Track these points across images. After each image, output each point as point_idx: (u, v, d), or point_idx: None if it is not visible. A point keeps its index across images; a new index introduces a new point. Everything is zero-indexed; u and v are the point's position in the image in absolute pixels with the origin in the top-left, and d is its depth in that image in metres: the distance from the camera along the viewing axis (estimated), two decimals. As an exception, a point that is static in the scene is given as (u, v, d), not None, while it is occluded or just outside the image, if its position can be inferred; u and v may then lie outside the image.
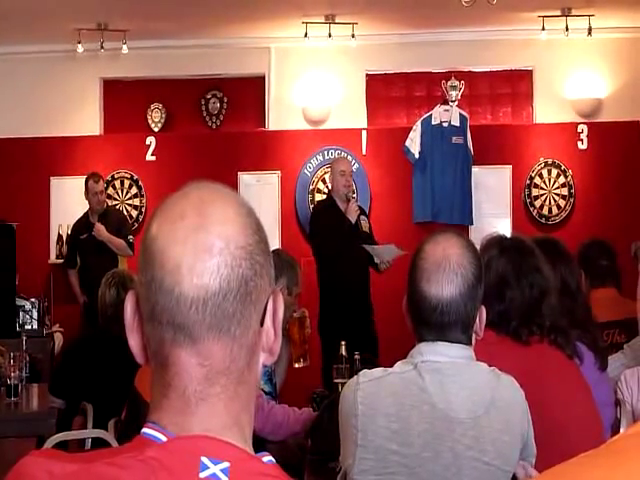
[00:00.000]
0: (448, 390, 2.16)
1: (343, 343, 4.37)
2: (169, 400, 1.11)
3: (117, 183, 8.42)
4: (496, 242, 2.81)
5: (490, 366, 2.25)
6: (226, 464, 1.05)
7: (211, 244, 1.09)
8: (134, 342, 1.15)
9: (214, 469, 1.05)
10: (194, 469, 1.04)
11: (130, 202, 8.43)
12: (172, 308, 1.09)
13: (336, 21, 8.05)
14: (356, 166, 8.24)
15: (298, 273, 3.99)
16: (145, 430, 1.11)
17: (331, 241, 7.00)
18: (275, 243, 7.59)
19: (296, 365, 4.07)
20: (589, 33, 7.94)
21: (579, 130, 8.27)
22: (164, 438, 1.08)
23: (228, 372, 1.11)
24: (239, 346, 1.12)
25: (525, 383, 2.27)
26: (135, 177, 8.42)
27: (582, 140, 8.25)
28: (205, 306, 1.09)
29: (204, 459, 1.05)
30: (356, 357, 4.33)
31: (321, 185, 8.31)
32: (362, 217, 7.25)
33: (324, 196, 8.27)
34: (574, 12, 7.85)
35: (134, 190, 8.44)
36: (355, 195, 7.31)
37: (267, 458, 1.11)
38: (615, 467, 0.71)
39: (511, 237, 2.93)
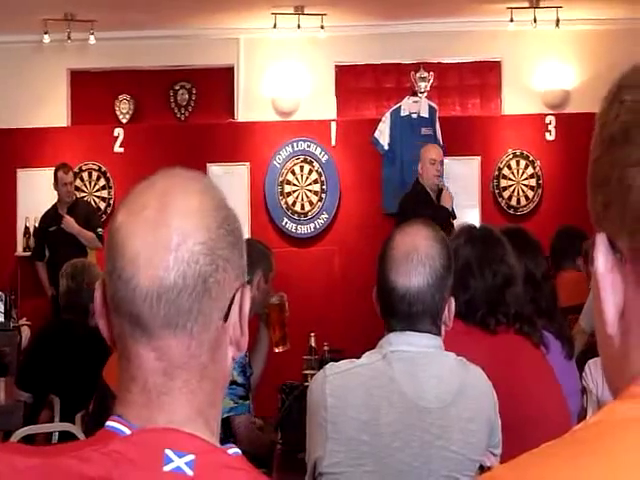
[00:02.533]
0: (417, 379, 2.17)
1: (312, 334, 4.37)
2: (132, 394, 1.11)
3: (85, 175, 8.35)
4: (465, 231, 2.84)
5: (459, 356, 2.26)
6: (191, 457, 1.05)
7: (169, 239, 1.08)
8: (104, 329, 1.15)
9: (178, 462, 1.04)
10: (158, 462, 1.04)
11: (98, 194, 8.36)
12: (129, 299, 1.09)
13: (305, 12, 8.03)
14: (325, 157, 8.24)
15: (272, 260, 4.03)
16: (109, 423, 1.10)
17: None
18: (245, 234, 7.56)
19: (276, 350, 4.08)
20: (557, 24, 7.98)
21: (547, 121, 8.30)
22: (128, 431, 1.08)
23: (188, 367, 1.11)
24: (198, 342, 1.10)
25: (494, 373, 2.29)
26: (103, 169, 8.36)
27: (550, 131, 8.29)
28: (159, 301, 1.08)
29: (168, 452, 1.04)
30: (325, 348, 4.34)
31: (290, 176, 8.30)
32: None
33: (294, 187, 8.27)
34: (542, 4, 7.89)
35: (102, 182, 8.37)
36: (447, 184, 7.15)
37: (233, 450, 1.10)
38: (576, 457, 0.71)
39: (480, 227, 2.96)
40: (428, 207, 6.97)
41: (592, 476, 0.69)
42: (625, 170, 0.75)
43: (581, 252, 5.27)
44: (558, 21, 7.96)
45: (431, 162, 7.19)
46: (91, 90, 8.68)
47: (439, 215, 6.84)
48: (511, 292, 2.74)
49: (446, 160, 8.18)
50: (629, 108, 0.77)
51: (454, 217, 7.05)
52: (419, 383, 2.17)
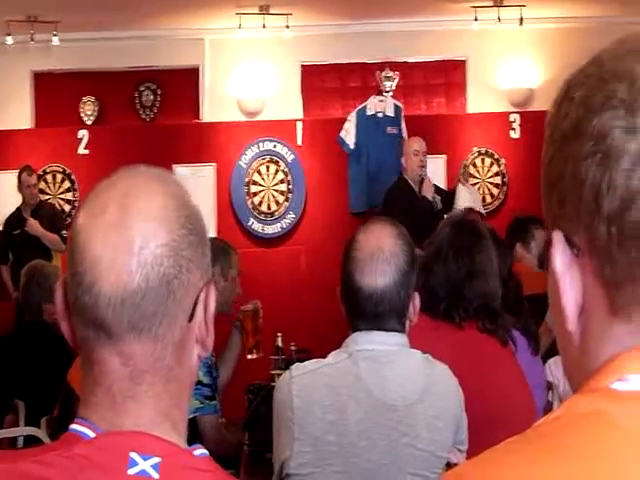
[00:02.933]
0: (383, 377, 2.17)
1: (279, 334, 4.37)
2: (96, 397, 1.10)
3: (49, 177, 8.27)
4: (453, 219, 2.88)
5: (425, 352, 2.27)
6: (156, 459, 1.04)
7: (131, 242, 1.06)
8: (66, 330, 1.13)
9: (143, 465, 1.03)
10: (123, 465, 1.03)
11: (63, 196, 8.29)
12: (92, 306, 1.07)
13: (270, 12, 8.01)
14: (292, 157, 8.23)
15: (232, 257, 4.01)
16: (73, 426, 1.09)
17: (407, 224, 6.81)
18: (211, 235, 7.54)
19: (249, 356, 4.08)
20: (520, 23, 8.02)
21: (511, 119, 8.35)
22: (92, 434, 1.06)
23: (154, 370, 1.09)
24: (163, 345, 1.09)
25: (461, 369, 2.29)
26: (67, 171, 8.29)
27: (514, 129, 8.34)
28: (123, 306, 1.06)
29: (133, 455, 1.03)
30: (292, 348, 4.33)
31: (257, 177, 8.28)
32: (436, 196, 7.11)
33: (260, 188, 8.25)
34: (505, 2, 7.93)
35: (67, 184, 8.30)
36: (429, 174, 7.19)
37: (199, 451, 1.09)
38: (538, 451, 0.72)
39: (469, 219, 2.99)
40: (411, 201, 6.99)
41: (554, 470, 0.70)
42: (578, 164, 0.76)
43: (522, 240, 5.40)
44: (522, 20, 8.01)
45: (414, 153, 7.21)
46: (55, 92, 8.61)
47: (420, 207, 6.87)
48: (472, 287, 2.75)
49: (412, 159, 8.22)
50: (578, 103, 0.78)
51: (434, 208, 7.01)
52: (385, 381, 2.17)
